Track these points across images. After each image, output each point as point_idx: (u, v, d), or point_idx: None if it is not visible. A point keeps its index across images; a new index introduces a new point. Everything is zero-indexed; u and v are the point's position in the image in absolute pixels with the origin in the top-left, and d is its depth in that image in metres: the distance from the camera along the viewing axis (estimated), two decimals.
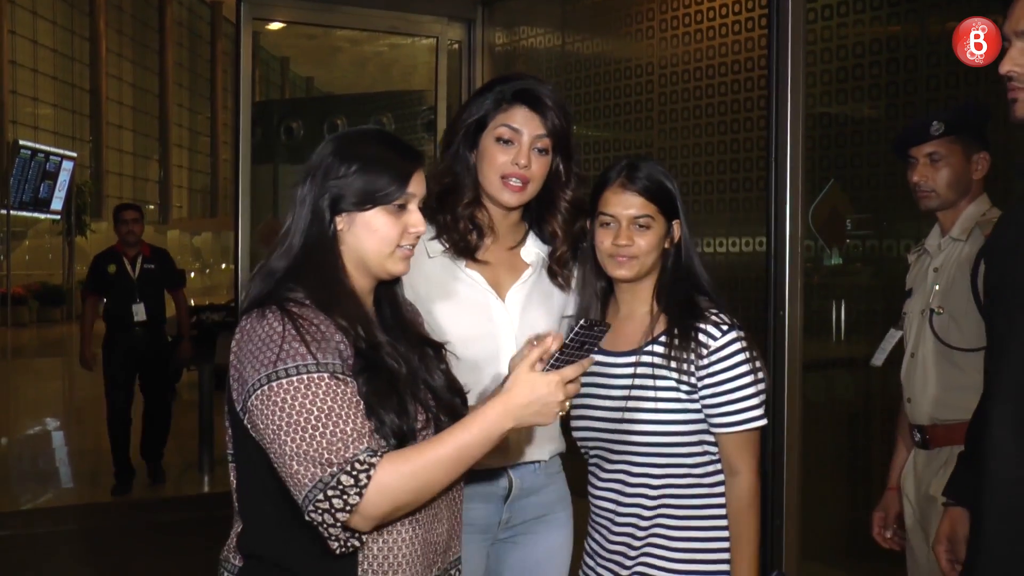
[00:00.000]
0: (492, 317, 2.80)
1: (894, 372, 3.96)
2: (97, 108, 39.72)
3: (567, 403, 2.12)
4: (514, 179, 2.73)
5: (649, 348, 2.72)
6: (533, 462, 2.86)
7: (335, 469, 1.99)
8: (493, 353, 2.75)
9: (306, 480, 2.01)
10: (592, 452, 2.83)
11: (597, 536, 2.84)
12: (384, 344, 2.25)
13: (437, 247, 2.80)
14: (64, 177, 31.07)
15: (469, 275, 2.81)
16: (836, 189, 5.53)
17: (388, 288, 2.40)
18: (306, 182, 2.32)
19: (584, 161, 7.13)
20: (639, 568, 2.73)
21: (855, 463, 5.86)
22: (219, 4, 46.38)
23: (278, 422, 2.04)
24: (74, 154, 32.95)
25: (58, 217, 31.82)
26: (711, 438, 2.71)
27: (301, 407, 2.03)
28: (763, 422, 2.70)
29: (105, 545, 7.05)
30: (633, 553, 2.75)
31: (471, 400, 2.48)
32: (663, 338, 2.71)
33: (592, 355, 2.19)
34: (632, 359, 2.74)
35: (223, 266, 40.88)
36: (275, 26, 10.77)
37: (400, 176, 2.28)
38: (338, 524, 2.01)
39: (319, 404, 2.04)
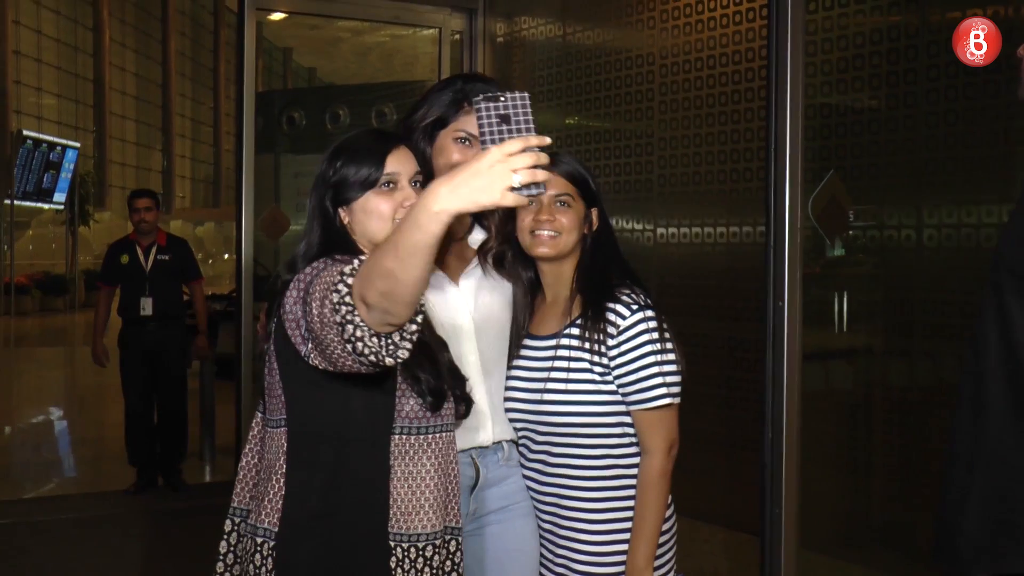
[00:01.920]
0: (448, 301, 2.88)
1: (894, 362, 3.96)
2: (100, 98, 39.75)
3: (520, 175, 1.87)
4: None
5: (567, 331, 2.82)
6: (497, 443, 2.91)
7: (333, 286, 2.13)
8: (453, 335, 2.82)
9: (331, 296, 2.12)
10: (520, 434, 2.93)
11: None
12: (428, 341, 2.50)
13: None
14: (67, 167, 31.09)
15: None
16: (836, 179, 5.53)
17: None
18: (312, 192, 2.58)
19: (585, 151, 7.16)
20: (566, 546, 2.84)
21: (856, 453, 5.87)
22: None
23: (316, 283, 2.21)
24: (77, 144, 32.98)
25: (61, 207, 31.84)
26: (630, 419, 2.79)
27: (327, 274, 2.20)
28: (667, 401, 2.73)
29: (107, 533, 7.06)
30: (562, 532, 2.85)
31: None
32: (579, 321, 2.81)
33: (532, 130, 1.96)
34: (552, 342, 2.84)
35: (226, 256, 40.88)
36: (278, 16, 10.76)
37: (377, 158, 2.53)
38: (344, 319, 2.08)
39: (339, 274, 2.16)
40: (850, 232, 5.69)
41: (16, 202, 27.72)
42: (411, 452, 2.46)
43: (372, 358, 2.10)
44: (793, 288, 3.83)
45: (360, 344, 2.08)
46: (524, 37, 7.92)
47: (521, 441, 2.94)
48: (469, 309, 2.90)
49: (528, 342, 2.90)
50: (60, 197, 31.40)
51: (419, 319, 2.12)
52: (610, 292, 2.79)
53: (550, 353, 2.84)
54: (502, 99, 1.97)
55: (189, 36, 48.12)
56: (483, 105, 1.97)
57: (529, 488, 2.92)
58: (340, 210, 2.55)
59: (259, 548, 2.43)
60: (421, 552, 2.45)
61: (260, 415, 2.58)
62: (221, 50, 47.65)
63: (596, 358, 2.75)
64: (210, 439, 9.10)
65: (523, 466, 2.93)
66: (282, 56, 45.59)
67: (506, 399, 2.91)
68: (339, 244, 2.50)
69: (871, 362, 5.76)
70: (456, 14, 8.24)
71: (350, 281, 2.09)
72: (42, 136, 30.89)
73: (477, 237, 2.98)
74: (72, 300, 29.12)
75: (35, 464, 10.02)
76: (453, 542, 2.55)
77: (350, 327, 2.07)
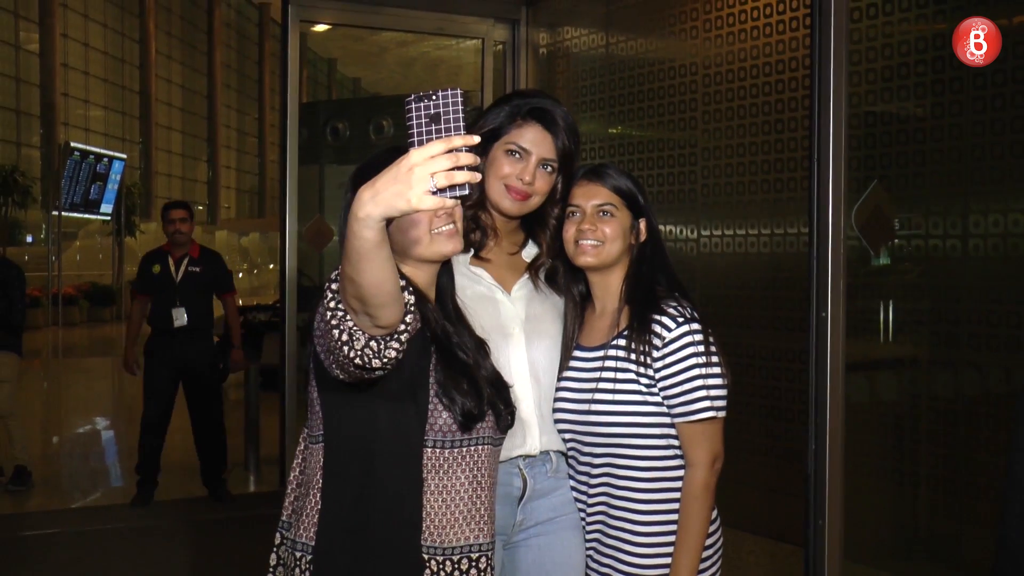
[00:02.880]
0: (499, 310, 2.89)
1: (940, 372, 3.93)
2: (146, 110, 40.10)
3: (442, 176, 1.83)
4: (516, 192, 2.83)
5: (615, 342, 2.83)
6: (545, 454, 2.91)
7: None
8: (503, 344, 2.83)
9: (320, 308, 2.25)
10: (568, 444, 2.94)
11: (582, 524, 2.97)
12: (453, 333, 2.52)
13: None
14: (114, 178, 31.35)
15: (474, 271, 2.91)
16: (879, 189, 5.50)
17: (446, 283, 2.64)
18: (341, 218, 2.51)
19: (629, 161, 7.15)
20: (611, 555, 2.85)
21: (902, 464, 5.83)
22: (267, 6, 46.66)
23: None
24: (124, 156, 33.25)
25: (108, 218, 32.11)
26: (675, 431, 2.79)
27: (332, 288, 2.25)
28: (712, 414, 2.74)
29: (153, 543, 7.11)
30: (607, 541, 2.86)
31: None
32: (626, 332, 2.82)
33: (461, 129, 1.89)
34: (600, 353, 2.86)
35: (270, 266, 41.11)
36: (322, 28, 10.82)
37: None
38: (341, 325, 2.17)
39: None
40: (895, 241, 5.66)
41: (64, 213, 27.96)
42: (444, 466, 2.46)
43: (358, 360, 2.17)
44: (836, 298, 3.80)
45: (347, 348, 2.16)
46: (567, 47, 7.92)
47: (570, 452, 2.94)
48: (520, 319, 2.91)
49: (577, 353, 2.92)
50: (107, 208, 31.65)
51: (408, 319, 2.19)
52: (656, 304, 2.80)
53: (598, 364, 2.85)
54: (432, 97, 1.90)
55: (234, 48, 48.46)
56: (413, 104, 1.91)
57: (576, 499, 2.93)
58: None
59: (298, 562, 2.46)
60: (457, 565, 2.46)
61: (306, 431, 2.59)
62: (266, 61, 47.97)
63: (642, 369, 2.76)
64: (255, 450, 9.14)
65: (571, 476, 2.94)
66: (327, 67, 45.85)
67: (555, 409, 2.92)
68: None
69: (917, 372, 5.72)
70: (499, 25, 8.25)
71: (335, 287, 2.18)
72: (89, 148, 31.17)
73: (531, 251, 3.00)
74: (119, 311, 29.33)
75: (82, 474, 10.09)
76: (483, 558, 2.53)
77: (336, 331, 2.16)
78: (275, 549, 2.64)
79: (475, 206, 2.89)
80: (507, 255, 2.98)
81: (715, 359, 2.77)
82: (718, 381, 2.77)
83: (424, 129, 1.89)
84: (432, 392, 2.43)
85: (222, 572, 6.38)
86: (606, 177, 2.89)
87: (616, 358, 2.81)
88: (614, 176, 2.90)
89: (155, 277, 8.18)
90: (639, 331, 2.78)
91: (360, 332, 2.16)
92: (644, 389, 2.78)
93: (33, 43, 33.67)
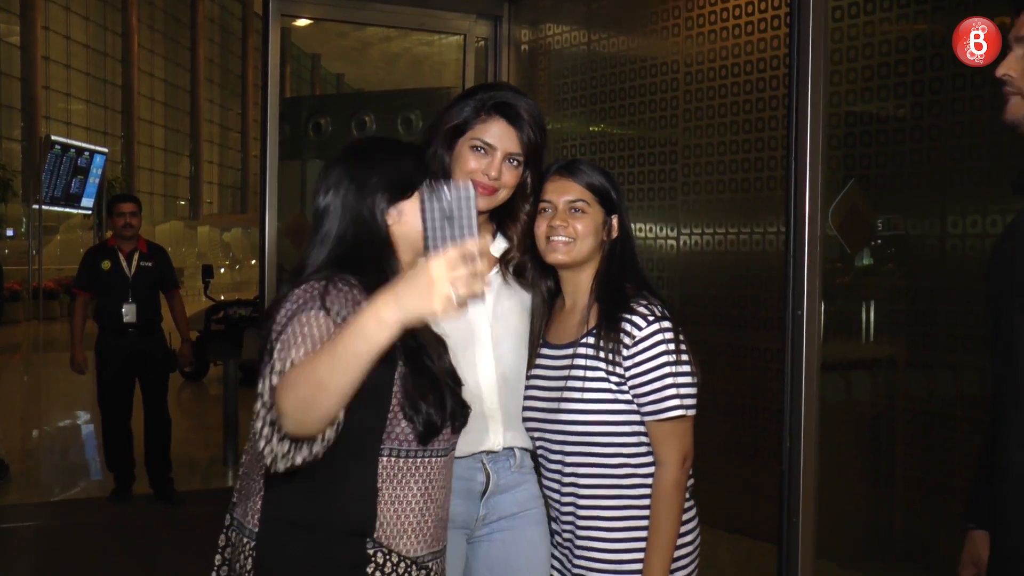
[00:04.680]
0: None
1: (917, 373, 3.93)
2: (129, 104, 40.00)
3: (465, 287, 1.90)
4: (482, 187, 2.82)
5: (584, 340, 2.81)
6: (509, 450, 2.92)
7: (266, 373, 2.18)
8: (468, 339, 2.84)
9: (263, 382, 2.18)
10: (536, 443, 2.92)
11: (552, 526, 2.95)
12: (426, 345, 2.44)
13: None
14: (95, 172, 31.26)
15: None
16: (856, 189, 5.51)
17: None
18: (327, 193, 2.51)
19: (609, 159, 7.15)
20: (584, 555, 2.84)
21: (877, 465, 5.84)
22: (250, 0, 46.55)
23: (282, 340, 2.22)
24: (105, 150, 33.15)
25: (89, 212, 32.02)
26: (645, 430, 2.78)
27: (292, 333, 2.21)
28: (682, 412, 2.73)
29: (133, 537, 7.09)
30: (579, 541, 2.84)
31: None
32: (595, 330, 2.80)
33: (474, 230, 1.97)
34: (569, 351, 2.84)
35: (252, 262, 41.04)
36: (304, 23, 10.80)
37: (420, 162, 2.57)
38: (268, 422, 2.12)
39: (304, 330, 2.20)
40: (877, 242, 5.67)
41: (44, 207, 27.84)
42: (399, 475, 2.40)
43: (267, 460, 2.13)
44: (812, 297, 3.81)
45: (262, 441, 2.12)
46: (549, 44, 7.92)
47: (539, 451, 2.93)
48: (487, 316, 2.90)
49: (545, 351, 2.92)
50: (88, 202, 31.57)
51: (329, 434, 2.13)
52: (626, 302, 2.78)
53: (566, 362, 2.84)
54: (445, 196, 1.95)
55: (217, 42, 48.34)
56: (426, 198, 1.97)
57: (548, 497, 2.93)
58: (392, 211, 2.49)
59: (244, 547, 2.43)
60: (403, 558, 2.41)
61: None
62: (249, 56, 47.90)
63: (612, 368, 2.75)
64: (233, 445, 9.13)
65: (542, 475, 2.93)
66: (310, 62, 45.78)
67: (524, 408, 2.93)
68: (371, 258, 2.45)
69: (894, 373, 5.73)
70: (481, 21, 8.24)
71: (275, 380, 2.14)
72: (70, 141, 31.06)
73: (500, 246, 2.99)
74: None
75: (62, 468, 10.06)
76: (432, 565, 2.48)
77: (259, 423, 2.14)
78: (224, 530, 2.62)
79: None
80: None
81: (685, 357, 2.76)
82: (688, 379, 2.76)
83: (438, 227, 1.96)
84: (395, 401, 2.37)
85: (200, 565, 6.36)
86: (579, 173, 2.89)
87: (586, 356, 2.80)
88: (587, 172, 2.90)
89: (105, 274, 8.00)
90: (609, 329, 2.77)
91: (274, 428, 2.11)
92: (615, 387, 2.76)
93: (14, 35, 33.55)
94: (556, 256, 2.85)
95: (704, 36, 6.40)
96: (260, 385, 2.18)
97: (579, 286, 2.90)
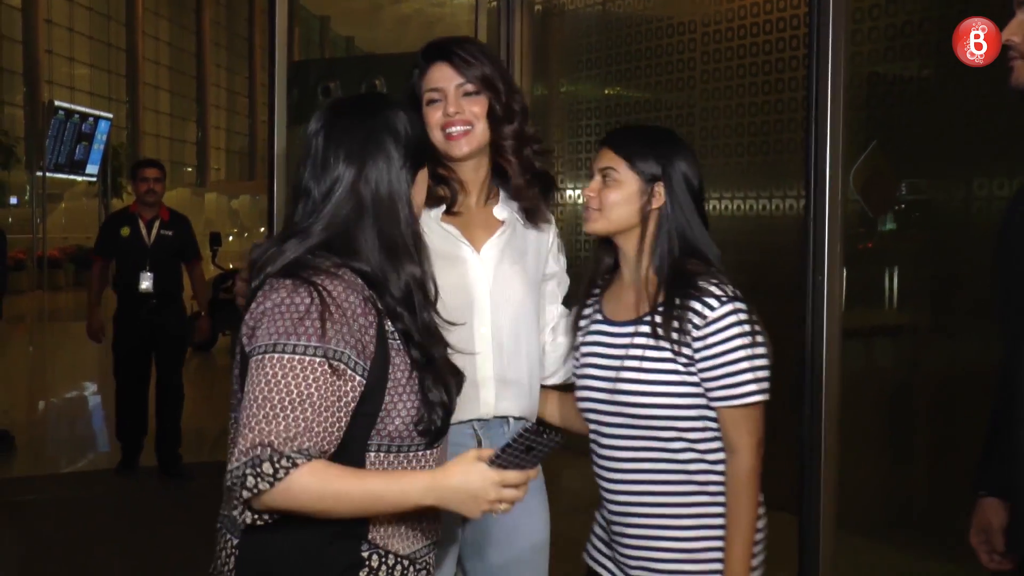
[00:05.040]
0: (467, 270, 2.85)
1: (939, 341, 3.84)
2: (133, 68, 39.86)
3: (502, 506, 2.07)
4: (453, 128, 2.81)
5: (647, 319, 2.68)
6: (502, 419, 2.88)
7: (267, 453, 1.98)
8: (467, 304, 2.80)
9: (242, 451, 2.00)
10: (591, 422, 2.81)
11: (601, 509, 2.85)
12: (433, 341, 2.28)
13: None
14: (100, 138, 31.15)
15: (444, 228, 2.86)
16: (878, 151, 5.40)
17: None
18: (330, 162, 2.25)
19: (626, 122, 7.02)
20: (646, 546, 2.72)
21: (898, 435, 5.75)
22: None
23: (258, 390, 2.04)
24: (110, 115, 33.03)
25: (94, 179, 31.94)
26: (713, 413, 2.65)
27: (285, 385, 2.04)
28: (758, 398, 2.61)
29: (140, 510, 7.04)
30: (638, 531, 2.73)
31: None
32: (661, 308, 2.66)
33: (537, 466, 2.11)
34: (630, 329, 2.71)
35: (261, 229, 41.01)
36: None
37: (418, 119, 2.47)
38: (242, 498, 2.00)
39: (301, 388, 2.04)
40: (900, 206, 5.56)
41: (48, 174, 27.75)
42: (390, 471, 2.23)
43: (235, 511, 2.05)
44: (833, 262, 3.72)
45: (234, 498, 2.02)
46: (563, 5, 7.80)
47: (592, 433, 2.82)
48: (488, 280, 2.86)
49: (603, 327, 2.79)
50: (93, 169, 31.43)
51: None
52: (691, 280, 2.63)
53: (627, 340, 2.71)
54: (544, 438, 2.03)
55: (223, 4, 48.20)
56: (525, 428, 2.03)
57: (600, 486, 2.80)
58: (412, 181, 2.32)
59: (226, 545, 2.29)
60: (399, 558, 2.25)
61: (236, 389, 2.28)
62: (256, 19, 47.66)
63: (680, 348, 2.61)
64: None
65: (593, 454, 2.82)
66: (319, 25, 45.63)
67: (578, 387, 2.82)
68: (387, 233, 2.23)
69: (917, 340, 5.64)
70: None
71: (280, 474, 1.97)
72: (74, 107, 30.95)
73: (504, 207, 2.94)
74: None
75: (68, 439, 10.02)
76: (431, 555, 2.37)
77: (240, 489, 2.00)
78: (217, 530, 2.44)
79: (434, 162, 2.79)
80: (479, 208, 2.93)
81: (760, 339, 2.62)
82: (764, 362, 2.63)
83: (517, 453, 2.04)
84: (389, 397, 2.18)
85: (208, 538, 6.30)
86: (617, 139, 2.77)
87: (648, 335, 2.65)
88: (627, 137, 2.79)
89: (124, 240, 7.83)
90: (676, 308, 2.62)
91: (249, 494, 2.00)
92: (681, 369, 2.62)
93: None
94: (587, 225, 2.76)
95: None
96: (245, 433, 2.00)
97: (626, 258, 2.76)
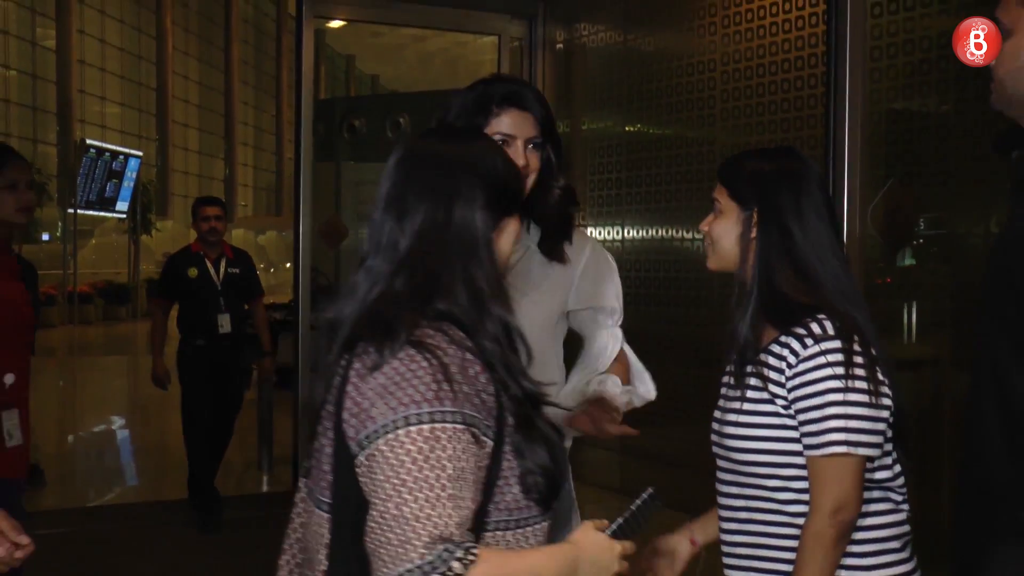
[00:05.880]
0: None
1: (960, 374, 3.86)
2: (163, 106, 40.14)
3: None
4: None
5: (760, 356, 2.42)
6: None
7: (453, 550, 1.71)
8: None
9: (414, 553, 1.71)
10: (717, 461, 2.58)
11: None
12: (534, 392, 1.99)
13: None
14: (130, 175, 31.40)
15: None
16: (897, 187, 5.43)
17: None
18: (406, 198, 2.00)
19: (646, 159, 7.08)
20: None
21: (922, 467, 5.75)
22: (284, 1, 46.70)
23: (404, 475, 1.75)
24: (140, 153, 33.30)
25: (124, 215, 32.17)
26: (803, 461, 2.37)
27: (436, 460, 1.76)
28: (841, 449, 2.28)
29: (168, 542, 7.07)
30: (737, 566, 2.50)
31: None
32: (763, 344, 2.43)
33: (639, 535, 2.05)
34: (734, 366, 2.50)
35: (287, 265, 41.17)
36: (338, 24, 10.79)
37: (507, 159, 2.12)
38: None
39: (455, 462, 1.77)
40: (919, 241, 5.58)
41: (79, 211, 28.00)
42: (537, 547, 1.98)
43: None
44: None
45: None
46: (584, 43, 7.86)
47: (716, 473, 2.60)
48: None
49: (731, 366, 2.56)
50: (123, 206, 31.70)
51: None
52: (790, 315, 2.39)
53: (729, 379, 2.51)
54: (656, 504, 2.05)
55: (251, 43, 48.49)
56: (649, 496, 2.05)
57: (722, 538, 2.55)
58: (497, 228, 2.04)
59: None
60: None
61: (305, 483, 2.06)
62: (283, 57, 47.99)
63: (777, 388, 2.36)
64: (268, 449, 9.10)
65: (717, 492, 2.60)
66: (344, 63, 45.90)
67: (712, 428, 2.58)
68: (470, 284, 1.96)
69: (938, 373, 5.65)
70: (516, 21, 8.19)
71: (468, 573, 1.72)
72: (105, 145, 31.20)
73: (534, 237, 2.97)
74: (135, 309, 29.38)
75: (97, 473, 10.07)
76: None
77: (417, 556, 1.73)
78: None
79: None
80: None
81: (860, 385, 2.29)
82: (860, 411, 2.30)
83: (633, 523, 2.01)
84: (506, 461, 1.91)
85: (235, 570, 6.33)
86: (723, 167, 2.56)
87: (748, 373, 2.42)
88: (731, 164, 2.56)
89: (192, 281, 7.42)
90: (771, 345, 2.38)
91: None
92: (782, 411, 2.37)
93: (50, 39, 33.74)
94: (708, 263, 2.60)
95: (741, 34, 6.32)
96: (415, 525, 1.73)
97: (743, 296, 2.51)
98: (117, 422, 13.16)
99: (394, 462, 1.76)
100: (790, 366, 2.33)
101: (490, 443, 1.85)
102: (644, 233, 7.35)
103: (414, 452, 1.76)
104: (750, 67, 6.24)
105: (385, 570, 1.74)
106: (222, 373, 7.39)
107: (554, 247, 2.97)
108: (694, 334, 6.78)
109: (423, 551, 1.70)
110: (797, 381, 2.33)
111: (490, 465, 1.87)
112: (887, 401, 2.35)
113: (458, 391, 1.82)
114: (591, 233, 7.76)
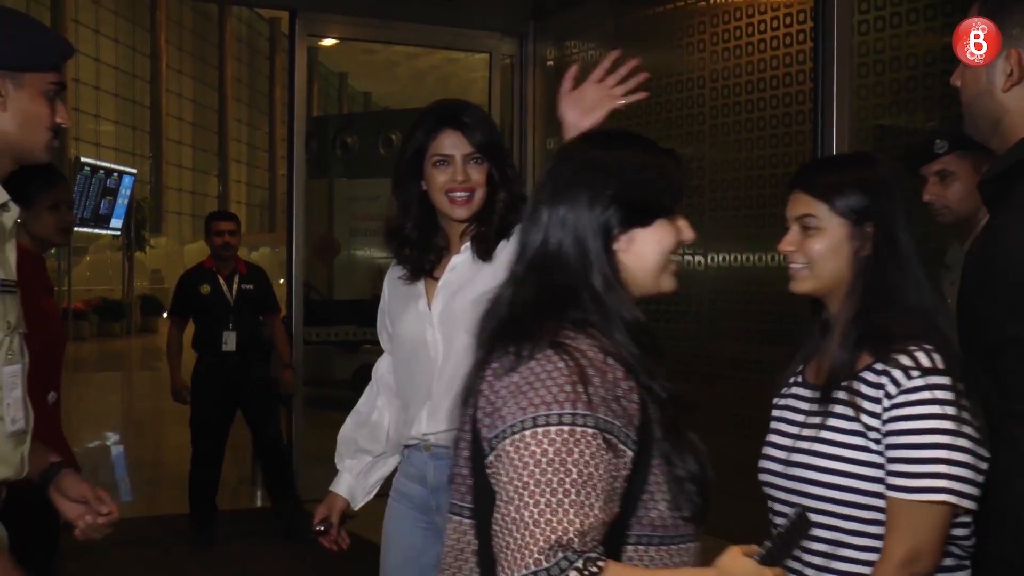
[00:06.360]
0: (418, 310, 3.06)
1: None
2: (157, 124, 40.21)
3: None
4: (458, 193, 2.96)
5: (847, 384, 2.19)
6: (444, 447, 2.91)
7: (574, 559, 1.63)
8: (417, 342, 3.02)
9: (530, 559, 1.64)
10: (769, 499, 2.37)
11: None
12: (676, 396, 1.89)
13: (397, 271, 3.13)
14: (124, 193, 31.40)
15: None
16: None
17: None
18: (548, 198, 1.94)
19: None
20: None
21: None
22: (278, 20, 46.76)
23: (527, 477, 1.69)
24: (134, 170, 33.30)
25: (118, 233, 32.18)
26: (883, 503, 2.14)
27: (561, 464, 1.69)
28: (940, 497, 2.04)
29: (162, 557, 7.09)
30: None
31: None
32: (847, 374, 2.19)
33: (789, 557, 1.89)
34: (817, 394, 2.26)
35: (280, 281, 41.16)
36: (330, 42, 10.84)
37: (677, 178, 2.02)
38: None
39: (581, 467, 1.69)
40: None
41: (74, 229, 28.01)
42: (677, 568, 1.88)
43: None
44: None
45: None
46: (574, 61, 7.91)
47: (769, 514, 2.40)
48: (433, 322, 3.01)
49: (799, 391, 2.35)
50: (117, 223, 31.66)
51: None
52: (890, 342, 2.14)
53: (814, 407, 2.26)
54: (808, 525, 1.93)
55: (245, 62, 48.56)
56: (797, 517, 1.87)
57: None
58: (623, 236, 1.92)
59: None
60: None
61: (453, 503, 2.00)
62: (277, 75, 48.05)
63: (869, 419, 2.13)
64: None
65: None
66: (337, 81, 45.93)
67: (760, 458, 2.39)
68: (595, 297, 1.88)
69: None
70: (507, 39, 8.26)
71: (563, 538, 1.64)
72: (99, 163, 31.18)
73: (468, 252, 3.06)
74: (129, 325, 29.40)
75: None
76: None
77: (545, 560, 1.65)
78: None
79: (427, 233, 3.02)
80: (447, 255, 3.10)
81: (968, 429, 2.06)
82: (968, 459, 2.06)
83: (789, 546, 1.84)
84: (653, 475, 1.82)
85: None
86: (809, 177, 2.33)
87: (836, 401, 2.19)
88: (822, 173, 2.34)
89: (204, 298, 7.30)
90: (869, 373, 2.15)
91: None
92: (872, 446, 2.13)
93: None
94: (793, 285, 2.33)
95: (730, 51, 6.38)
96: (533, 530, 1.66)
97: (835, 316, 2.29)
98: (111, 438, 13.16)
99: (518, 463, 1.70)
100: (889, 396, 2.10)
101: (630, 452, 1.77)
102: None
103: (539, 454, 1.69)
104: (739, 84, 6.29)
105: (503, 575, 1.68)
106: (231, 390, 7.27)
107: (484, 249, 3.02)
108: (684, 348, 6.82)
109: (539, 557, 1.63)
110: (896, 414, 2.09)
111: (631, 476, 1.78)
112: (985, 451, 2.10)
113: (594, 395, 1.74)
114: None
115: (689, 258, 6.53)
